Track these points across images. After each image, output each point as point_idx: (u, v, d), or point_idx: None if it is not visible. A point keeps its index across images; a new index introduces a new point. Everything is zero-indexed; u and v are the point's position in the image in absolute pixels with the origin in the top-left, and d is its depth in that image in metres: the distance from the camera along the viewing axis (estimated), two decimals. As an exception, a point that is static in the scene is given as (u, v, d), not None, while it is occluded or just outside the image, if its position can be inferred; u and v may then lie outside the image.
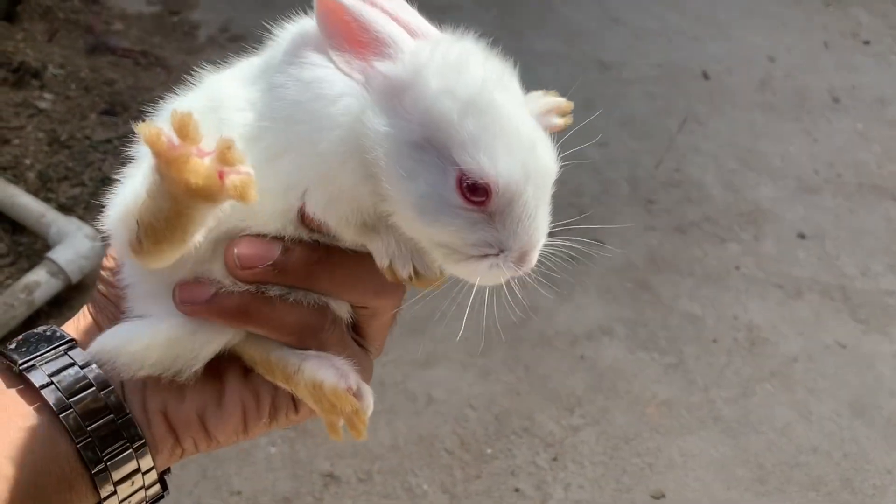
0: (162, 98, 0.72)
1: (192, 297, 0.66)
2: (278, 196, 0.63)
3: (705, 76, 4.22)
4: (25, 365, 0.65)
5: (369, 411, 0.70)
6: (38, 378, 0.64)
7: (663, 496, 2.30)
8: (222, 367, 0.73)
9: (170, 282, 0.68)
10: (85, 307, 0.75)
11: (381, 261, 0.66)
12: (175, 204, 0.56)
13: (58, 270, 2.56)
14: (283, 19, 0.70)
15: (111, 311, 0.73)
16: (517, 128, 0.61)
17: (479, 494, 2.24)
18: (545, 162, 0.64)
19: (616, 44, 4.41)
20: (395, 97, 0.61)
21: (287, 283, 0.67)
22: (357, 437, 0.69)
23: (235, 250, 0.64)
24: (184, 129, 0.52)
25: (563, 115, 0.76)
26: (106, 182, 2.79)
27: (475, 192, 0.60)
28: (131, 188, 0.64)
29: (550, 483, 2.31)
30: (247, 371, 0.73)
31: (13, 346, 0.68)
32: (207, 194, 0.53)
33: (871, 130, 3.87)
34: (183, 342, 0.68)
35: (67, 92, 3.62)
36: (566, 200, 3.28)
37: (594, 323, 2.77)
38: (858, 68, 4.32)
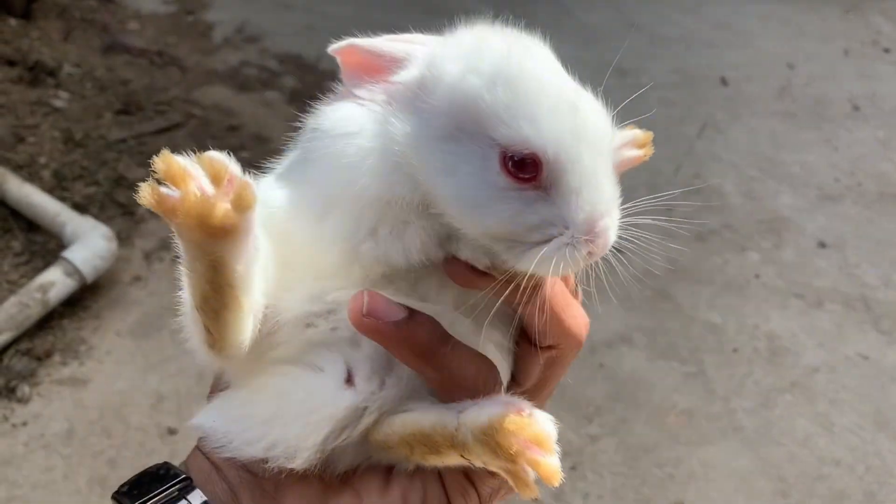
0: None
1: (380, 312, 0.56)
2: (346, 252, 0.59)
3: (724, 83, 4.19)
4: None
5: (554, 437, 0.58)
6: None
7: (683, 508, 2.26)
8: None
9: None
10: (196, 446, 0.69)
11: (482, 261, 0.58)
12: (204, 256, 0.52)
13: (73, 270, 2.54)
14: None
15: None
16: (555, 89, 0.56)
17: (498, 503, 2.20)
18: (595, 121, 0.58)
19: (634, 49, 4.38)
20: (416, 98, 0.57)
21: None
22: (552, 481, 0.57)
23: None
24: (169, 171, 0.50)
25: (640, 146, 0.66)
26: (121, 181, 2.77)
27: (522, 167, 0.54)
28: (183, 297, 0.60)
29: (569, 493, 2.27)
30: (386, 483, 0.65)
31: (126, 488, 0.63)
32: (217, 224, 0.49)
33: (892, 139, 3.83)
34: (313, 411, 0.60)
35: (83, 91, 3.61)
36: (584, 206, 3.24)
37: (613, 331, 2.74)
38: (879, 76, 4.28)
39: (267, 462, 0.60)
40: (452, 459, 0.59)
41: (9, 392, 2.33)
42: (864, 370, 2.69)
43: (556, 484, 0.55)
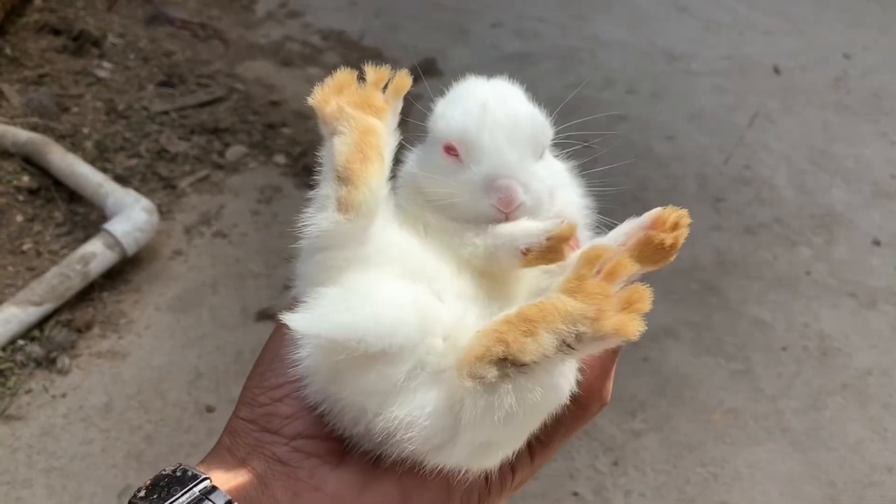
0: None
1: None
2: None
3: (777, 71, 4.06)
4: None
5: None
6: None
7: (728, 510, 2.20)
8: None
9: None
10: (218, 441, 0.67)
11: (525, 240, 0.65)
12: (359, 123, 0.64)
13: (114, 242, 2.53)
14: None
15: (253, 438, 0.65)
16: (474, 97, 0.74)
17: (536, 497, 2.16)
18: (500, 116, 0.72)
19: (684, 34, 4.26)
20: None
21: None
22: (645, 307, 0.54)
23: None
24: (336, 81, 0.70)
25: (673, 228, 0.61)
26: (162, 154, 2.75)
27: (450, 150, 0.72)
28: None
29: (610, 489, 2.22)
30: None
31: (143, 493, 0.60)
32: (379, 104, 0.68)
33: (953, 135, 3.69)
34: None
35: (126, 62, 3.59)
36: (630, 195, 3.16)
37: (658, 324, 2.66)
38: (940, 69, 4.12)
39: (353, 345, 0.56)
40: (550, 329, 0.55)
41: (49, 363, 2.33)
42: (918, 374, 2.60)
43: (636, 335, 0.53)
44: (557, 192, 0.75)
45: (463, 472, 0.61)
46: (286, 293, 2.64)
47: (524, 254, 0.63)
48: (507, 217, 0.68)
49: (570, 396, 0.62)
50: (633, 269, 0.56)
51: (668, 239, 0.59)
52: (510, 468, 0.66)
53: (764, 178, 3.37)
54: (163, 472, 0.61)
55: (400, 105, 0.69)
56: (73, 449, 2.15)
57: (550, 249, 0.62)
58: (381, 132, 0.64)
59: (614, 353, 0.66)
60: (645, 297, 0.54)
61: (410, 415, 0.58)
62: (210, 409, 2.28)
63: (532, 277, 0.69)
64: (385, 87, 0.69)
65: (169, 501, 0.58)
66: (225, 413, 2.26)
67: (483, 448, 0.59)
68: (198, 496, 0.58)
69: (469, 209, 0.69)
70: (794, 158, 3.49)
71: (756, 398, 2.48)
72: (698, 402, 2.45)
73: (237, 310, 2.58)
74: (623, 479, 2.24)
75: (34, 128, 3.02)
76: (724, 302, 2.79)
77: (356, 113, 0.64)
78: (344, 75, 0.67)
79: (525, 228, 0.65)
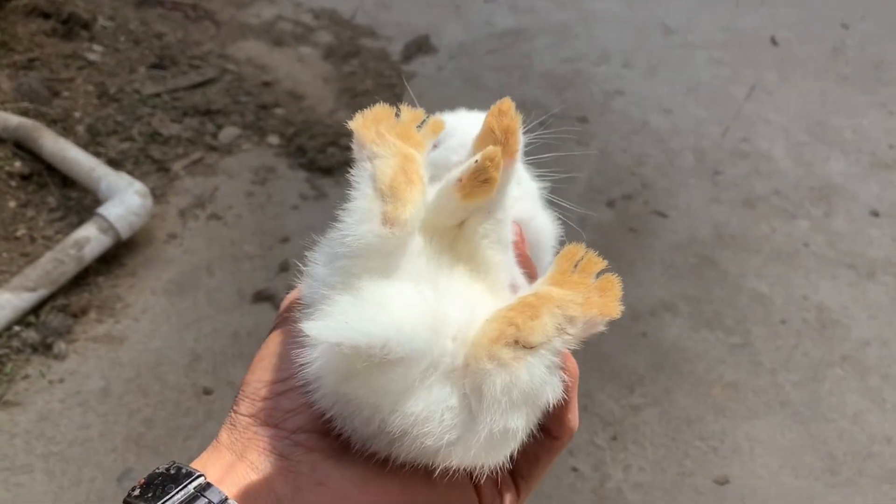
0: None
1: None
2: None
3: (774, 43, 4.02)
4: None
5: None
6: None
7: (728, 482, 2.19)
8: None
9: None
10: (216, 438, 0.65)
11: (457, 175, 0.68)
12: (399, 151, 0.64)
13: (108, 227, 2.51)
14: None
15: (252, 433, 0.63)
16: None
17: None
18: (451, 121, 0.84)
19: (680, 7, 4.22)
20: None
21: None
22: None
23: None
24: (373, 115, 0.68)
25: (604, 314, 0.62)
26: (155, 137, 2.73)
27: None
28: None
29: (609, 463, 2.22)
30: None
31: (137, 492, 0.59)
32: (417, 139, 0.67)
33: (952, 104, 3.66)
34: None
35: (117, 44, 3.56)
36: (628, 170, 3.14)
37: (656, 299, 2.65)
38: (939, 38, 4.08)
39: (372, 351, 0.55)
40: (549, 313, 0.61)
41: (45, 348, 2.32)
42: (918, 345, 2.59)
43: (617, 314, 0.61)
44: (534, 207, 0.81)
45: (476, 468, 0.62)
46: (282, 275, 2.63)
47: (459, 181, 0.65)
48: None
49: (543, 431, 0.67)
50: (602, 264, 0.63)
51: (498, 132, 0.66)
52: (500, 496, 0.67)
53: (762, 150, 3.35)
54: (156, 471, 0.60)
55: (432, 145, 0.71)
56: (72, 434, 2.15)
57: (479, 171, 0.64)
58: (421, 161, 0.65)
59: (574, 386, 0.67)
60: (616, 283, 0.62)
61: (427, 409, 0.59)
62: (208, 392, 2.28)
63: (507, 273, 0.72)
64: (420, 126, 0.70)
65: (164, 500, 0.57)
66: (223, 395, 2.26)
67: (499, 436, 0.60)
68: (192, 493, 0.57)
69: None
70: (792, 130, 3.47)
71: (755, 371, 2.48)
72: (697, 376, 2.45)
73: (233, 292, 2.57)
74: (622, 454, 2.24)
75: (25, 113, 3.00)
76: (722, 275, 2.78)
77: (398, 141, 0.65)
78: (383, 109, 0.68)
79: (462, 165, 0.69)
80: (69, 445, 2.12)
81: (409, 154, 0.64)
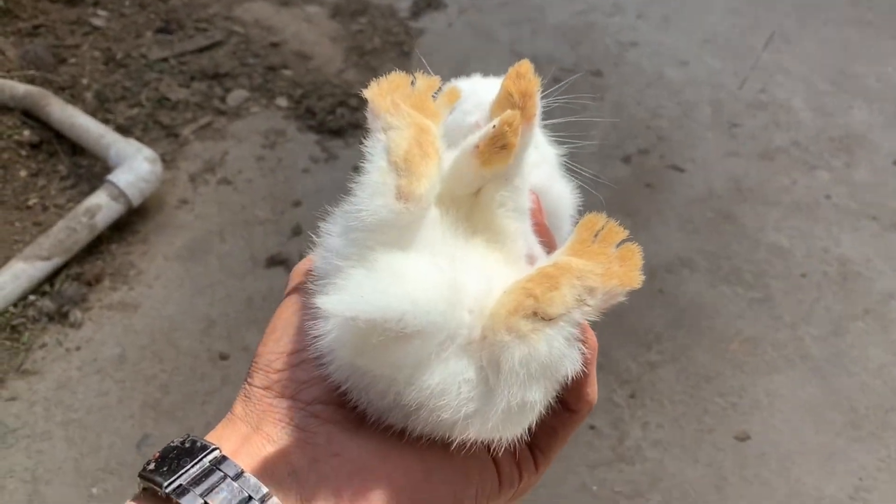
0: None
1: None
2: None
3: (793, -11, 3.90)
4: (171, 486, 0.55)
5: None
6: (189, 502, 0.55)
7: (748, 438, 2.18)
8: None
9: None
10: (230, 413, 0.64)
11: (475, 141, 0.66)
12: (414, 121, 0.61)
13: (118, 194, 2.50)
14: None
15: (267, 404, 0.62)
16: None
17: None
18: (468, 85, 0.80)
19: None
20: None
21: None
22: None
23: None
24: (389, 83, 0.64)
25: (623, 284, 0.62)
26: (163, 102, 2.70)
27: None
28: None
29: (627, 421, 2.21)
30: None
31: (152, 465, 0.57)
32: (431, 107, 0.65)
33: (979, 48, 3.54)
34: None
35: (122, 9, 3.51)
36: (643, 123, 3.07)
37: (674, 255, 2.61)
38: (965, -21, 3.94)
39: (387, 326, 0.54)
40: (568, 284, 0.60)
41: (61, 317, 2.32)
42: (942, 296, 2.54)
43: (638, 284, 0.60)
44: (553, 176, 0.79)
45: (493, 441, 0.61)
46: (294, 239, 2.61)
47: (476, 148, 0.63)
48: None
49: (561, 404, 0.66)
50: (623, 234, 0.61)
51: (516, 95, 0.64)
52: (518, 469, 0.67)
53: (781, 101, 3.26)
54: (171, 444, 0.59)
55: (448, 115, 0.69)
56: (90, 401, 2.16)
57: (497, 137, 0.62)
58: (436, 133, 0.63)
59: (593, 358, 0.66)
60: (636, 252, 0.61)
61: (444, 382, 0.58)
62: (224, 357, 2.28)
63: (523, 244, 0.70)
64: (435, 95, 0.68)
65: (179, 473, 0.56)
66: (238, 360, 2.26)
67: (516, 409, 0.60)
68: (208, 467, 0.56)
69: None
70: (812, 80, 3.38)
71: (775, 326, 2.44)
72: (716, 332, 2.42)
73: (246, 257, 2.56)
74: (640, 412, 2.22)
75: (31, 80, 2.97)
76: (740, 230, 2.73)
77: (413, 111, 0.63)
78: (398, 77, 0.65)
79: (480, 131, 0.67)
80: (87, 412, 2.13)
81: (424, 125, 0.62)
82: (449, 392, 0.58)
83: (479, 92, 0.78)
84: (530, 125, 0.63)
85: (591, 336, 0.63)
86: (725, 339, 2.40)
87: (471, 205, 0.67)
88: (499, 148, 0.61)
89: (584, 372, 0.63)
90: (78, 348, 2.27)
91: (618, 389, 2.27)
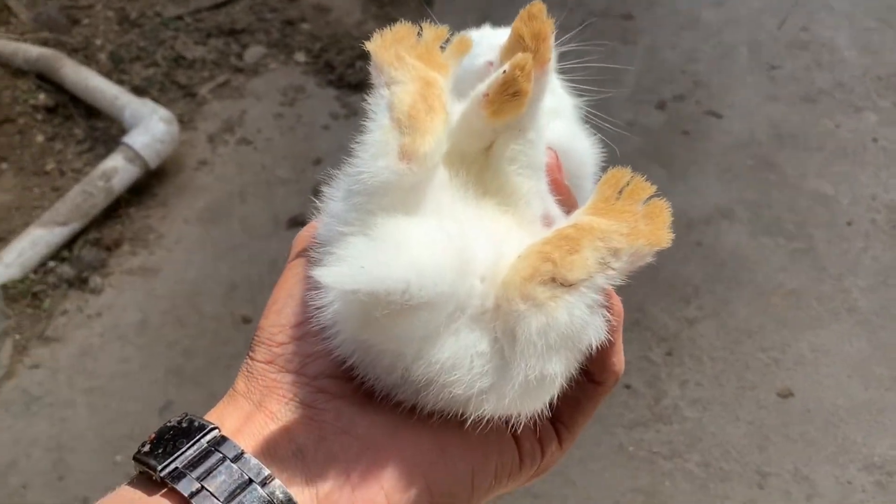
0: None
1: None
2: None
3: (836, -79, 3.69)
4: (166, 470, 0.51)
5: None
6: (185, 487, 0.51)
7: (791, 395, 2.08)
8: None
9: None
10: (232, 387, 0.60)
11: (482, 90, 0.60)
12: (420, 75, 0.57)
13: (134, 156, 2.44)
14: None
15: (271, 380, 0.58)
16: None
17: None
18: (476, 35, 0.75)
19: None
20: None
21: None
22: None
23: None
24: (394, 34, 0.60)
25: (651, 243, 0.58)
26: (179, 61, 2.60)
27: None
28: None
29: (665, 379, 2.12)
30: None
31: (147, 447, 0.53)
32: (437, 59, 0.60)
33: None
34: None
35: (135, -33, 3.42)
36: (678, 67, 2.93)
37: (712, 205, 2.50)
38: None
39: (390, 297, 0.50)
40: (590, 246, 0.56)
41: (81, 283, 2.29)
42: None
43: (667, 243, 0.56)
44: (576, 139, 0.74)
45: (512, 417, 0.57)
46: (316, 199, 2.54)
47: (486, 96, 0.59)
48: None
49: (585, 375, 0.61)
50: (650, 189, 0.57)
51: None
52: (540, 445, 0.63)
53: (823, 40, 3.09)
54: (168, 424, 0.55)
55: (457, 68, 0.63)
56: (112, 367, 2.13)
57: (508, 83, 0.57)
58: (444, 87, 0.58)
59: (619, 326, 0.61)
60: (664, 209, 0.57)
61: (455, 356, 0.54)
62: (247, 320, 2.23)
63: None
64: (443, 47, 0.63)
65: (174, 456, 0.52)
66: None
67: (535, 383, 0.56)
68: (205, 448, 0.52)
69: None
70: (857, 16, 3.19)
71: (819, 278, 2.33)
72: (756, 285, 2.31)
73: (268, 218, 2.50)
74: (678, 370, 2.14)
75: (45, 42, 2.91)
76: (782, 177, 2.60)
77: (418, 64, 0.58)
78: (403, 28, 0.61)
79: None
80: (110, 379, 2.10)
81: (430, 78, 0.57)
82: (461, 366, 0.54)
83: (492, 37, 0.74)
84: (544, 70, 0.59)
85: (617, 302, 0.58)
86: (767, 293, 2.29)
87: (482, 163, 0.63)
88: (510, 95, 0.57)
89: (609, 341, 0.58)
90: (99, 314, 2.24)
91: (654, 347, 2.18)
